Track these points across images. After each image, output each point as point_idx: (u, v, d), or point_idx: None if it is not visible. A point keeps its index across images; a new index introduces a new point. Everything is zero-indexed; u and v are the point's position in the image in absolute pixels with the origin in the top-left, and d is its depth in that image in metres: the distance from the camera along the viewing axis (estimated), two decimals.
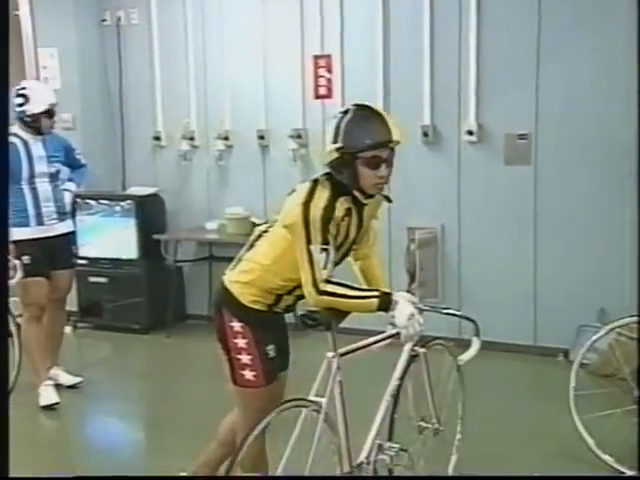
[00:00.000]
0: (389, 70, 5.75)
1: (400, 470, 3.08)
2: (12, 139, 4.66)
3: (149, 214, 6.41)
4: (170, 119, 6.53)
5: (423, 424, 3.20)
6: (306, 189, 2.75)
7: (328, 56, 5.93)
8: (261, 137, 6.23)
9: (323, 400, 2.73)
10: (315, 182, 2.79)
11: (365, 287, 3.02)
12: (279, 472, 2.63)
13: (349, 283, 2.80)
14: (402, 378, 3.07)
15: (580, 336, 4.99)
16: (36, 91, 4.90)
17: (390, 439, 3.02)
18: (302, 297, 2.82)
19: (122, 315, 6.40)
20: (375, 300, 2.73)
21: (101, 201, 6.42)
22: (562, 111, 5.31)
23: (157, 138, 6.59)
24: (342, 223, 2.74)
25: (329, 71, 5.95)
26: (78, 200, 6.43)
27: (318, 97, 6.03)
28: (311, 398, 2.74)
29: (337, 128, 2.73)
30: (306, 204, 2.69)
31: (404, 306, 2.75)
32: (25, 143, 4.79)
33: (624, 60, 4.98)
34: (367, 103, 2.84)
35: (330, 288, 2.68)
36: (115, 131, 6.79)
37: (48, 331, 4.99)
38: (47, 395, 4.80)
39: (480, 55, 5.45)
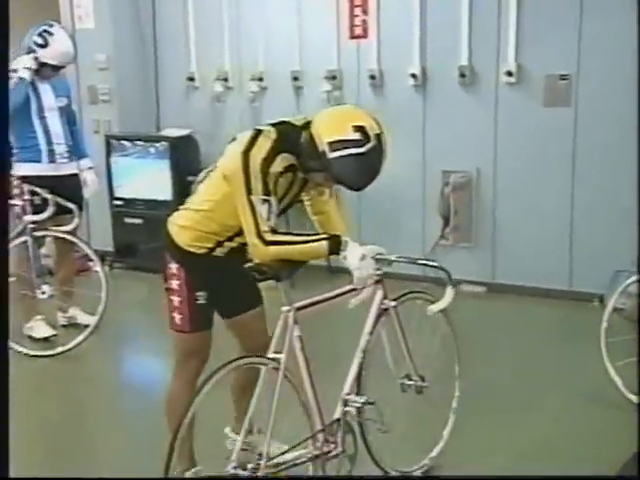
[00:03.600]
0: (426, 9, 5.61)
1: (371, 424, 2.94)
2: (17, 73, 4.46)
3: (183, 155, 6.39)
4: (204, 60, 6.47)
5: (406, 381, 3.08)
6: (247, 138, 2.65)
7: None
8: (295, 78, 6.16)
9: (282, 356, 2.64)
10: (258, 132, 2.67)
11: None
12: (242, 430, 2.59)
13: (295, 232, 2.73)
14: (372, 333, 2.94)
15: (615, 281, 4.93)
16: (57, 42, 4.62)
17: (358, 393, 2.90)
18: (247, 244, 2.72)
19: (156, 256, 6.42)
20: (325, 243, 2.63)
21: (135, 142, 6.42)
22: (605, 52, 5.14)
23: (191, 79, 6.56)
24: (280, 179, 2.64)
25: (364, 12, 5.82)
26: (113, 141, 6.47)
27: (353, 37, 5.92)
28: (269, 355, 2.65)
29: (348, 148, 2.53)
30: (245, 153, 2.61)
31: (354, 247, 2.65)
32: (32, 77, 4.56)
33: None
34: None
35: (277, 237, 2.60)
36: (149, 72, 6.76)
37: (60, 274, 4.97)
38: (39, 329, 4.80)
39: None
